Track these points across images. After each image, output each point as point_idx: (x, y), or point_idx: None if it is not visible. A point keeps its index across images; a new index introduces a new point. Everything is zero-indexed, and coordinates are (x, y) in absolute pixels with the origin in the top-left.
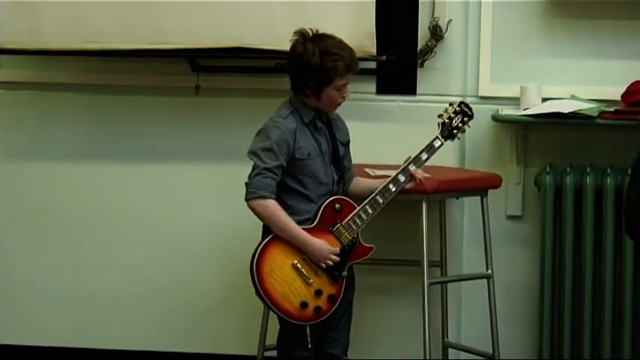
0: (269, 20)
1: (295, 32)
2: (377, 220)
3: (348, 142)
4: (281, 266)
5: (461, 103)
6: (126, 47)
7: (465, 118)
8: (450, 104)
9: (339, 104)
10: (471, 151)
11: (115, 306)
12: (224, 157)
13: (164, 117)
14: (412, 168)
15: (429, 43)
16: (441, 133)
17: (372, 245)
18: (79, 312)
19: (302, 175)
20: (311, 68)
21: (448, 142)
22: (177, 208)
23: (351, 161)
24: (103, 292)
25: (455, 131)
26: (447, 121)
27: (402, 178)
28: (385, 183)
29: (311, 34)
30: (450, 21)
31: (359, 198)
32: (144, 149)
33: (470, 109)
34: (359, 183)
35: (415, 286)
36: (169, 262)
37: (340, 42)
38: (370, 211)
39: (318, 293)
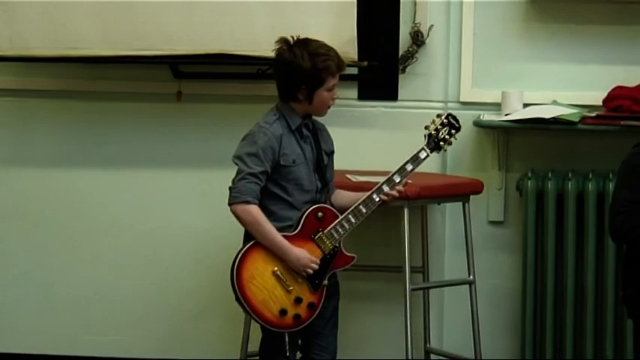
0: (250, 26)
1: (278, 40)
2: (359, 225)
3: (332, 152)
4: (262, 273)
5: (448, 115)
6: (107, 53)
7: (452, 130)
8: (438, 116)
9: (329, 107)
10: (452, 157)
11: (94, 313)
12: (206, 163)
13: (146, 123)
14: (397, 179)
15: (410, 49)
16: (428, 144)
17: (354, 255)
18: (59, 318)
19: (286, 182)
20: (303, 72)
21: (434, 153)
22: (158, 214)
23: (333, 173)
24: (82, 300)
25: (441, 143)
26: (433, 132)
27: (385, 189)
28: (369, 193)
29: (294, 39)
30: (431, 26)
31: (340, 211)
32: (125, 156)
33: (457, 121)
34: (340, 195)
35: (397, 293)
36: (151, 269)
37: (325, 44)
38: (353, 220)
39: (298, 301)
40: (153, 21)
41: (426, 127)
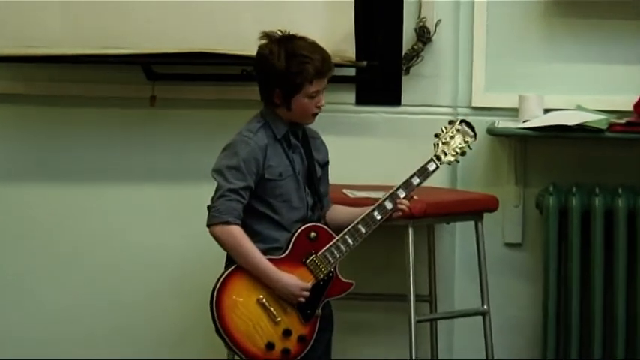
0: (236, 23)
1: (262, 34)
2: (357, 247)
3: (327, 163)
4: (245, 301)
5: (462, 121)
6: (72, 52)
7: (467, 139)
8: (450, 122)
9: (315, 114)
10: (463, 170)
11: (64, 349)
12: (183, 176)
13: (114, 132)
14: (402, 194)
15: (415, 47)
16: (438, 155)
17: (352, 281)
18: (22, 345)
19: (272, 198)
20: (276, 73)
21: (444, 165)
22: (130, 234)
23: (328, 186)
24: (45, 335)
25: (454, 154)
26: (445, 141)
27: (389, 206)
28: (369, 210)
29: (279, 35)
30: (438, 21)
31: (337, 230)
32: (90, 169)
33: (473, 128)
34: (337, 212)
35: (401, 324)
36: (123, 294)
37: (312, 44)
38: (350, 241)
39: (287, 333)
40: (126, 18)
41: (437, 136)
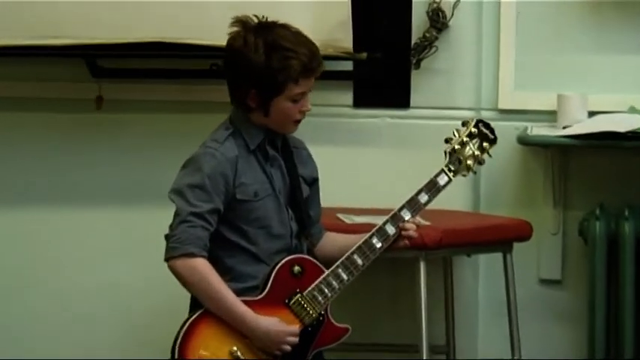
0: (201, 6)
1: (234, 20)
2: (355, 286)
3: (316, 180)
4: (214, 354)
5: (479, 121)
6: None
7: (485, 144)
8: (464, 124)
9: (298, 121)
10: (487, 188)
11: None
12: (135, 197)
13: (51, 141)
14: (406, 216)
15: (427, 35)
16: (449, 165)
17: (347, 326)
18: None
19: (246, 224)
20: (253, 70)
21: (459, 177)
22: (68, 268)
23: (319, 208)
24: None
25: (469, 162)
26: (458, 147)
27: (390, 230)
28: (366, 236)
29: (256, 22)
30: (456, 2)
31: (329, 263)
32: (21, 188)
33: (492, 130)
34: (329, 241)
35: None
36: (56, 346)
37: (297, 33)
38: (344, 276)
39: None
40: (70, 5)
41: (447, 141)
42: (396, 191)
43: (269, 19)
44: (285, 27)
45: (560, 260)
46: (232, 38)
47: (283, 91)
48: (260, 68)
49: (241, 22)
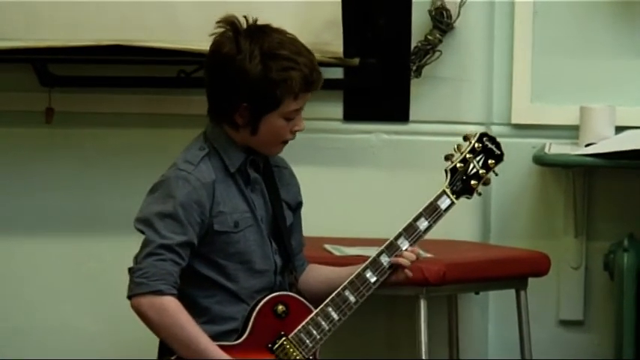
0: (169, 7)
1: (221, 20)
2: (347, 327)
3: (300, 204)
4: None
5: (482, 135)
6: None
7: (490, 161)
8: (465, 138)
9: (286, 143)
10: (499, 215)
11: None
12: (92, 224)
13: None
14: (404, 245)
15: (430, 38)
16: (451, 185)
17: None
18: None
19: (224, 259)
20: (247, 81)
21: (463, 199)
22: (15, 309)
23: (302, 236)
24: None
25: (473, 182)
26: (459, 165)
27: (386, 262)
28: (359, 270)
29: (246, 24)
30: (463, 1)
31: (316, 300)
32: None
33: (498, 144)
34: (315, 275)
35: None
36: None
37: (293, 40)
38: (335, 316)
39: None
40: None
41: (447, 158)
42: (392, 218)
43: (258, 21)
44: (279, 31)
45: (583, 298)
46: (219, 43)
47: (278, 106)
48: (257, 80)
49: (231, 24)
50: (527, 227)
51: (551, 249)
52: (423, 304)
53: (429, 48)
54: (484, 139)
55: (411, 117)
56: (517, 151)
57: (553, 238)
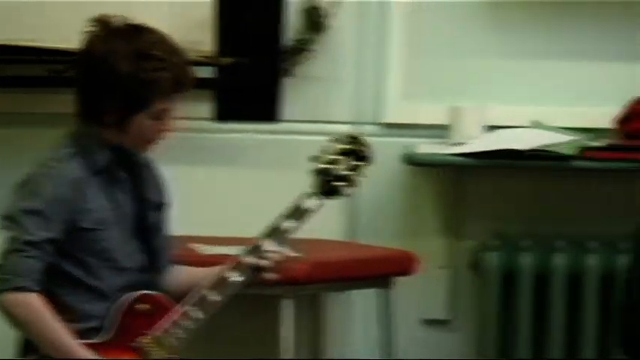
0: (39, 5)
1: (93, 20)
2: (209, 327)
3: (166, 204)
4: None
5: (350, 137)
6: None
7: (357, 163)
8: (333, 139)
9: (156, 142)
10: (368, 215)
11: None
12: None
13: None
14: (270, 245)
15: (303, 38)
16: (318, 187)
17: None
18: None
19: (90, 256)
20: (117, 81)
21: (332, 201)
22: None
23: (168, 236)
24: None
25: (340, 184)
26: (326, 167)
27: (251, 262)
28: (224, 270)
29: (119, 24)
30: (337, 2)
31: (180, 298)
32: None
33: (364, 145)
34: (181, 274)
35: None
36: None
37: (166, 40)
38: (199, 315)
39: None
40: None
41: (315, 159)
42: (263, 218)
43: (131, 21)
44: (153, 32)
45: (449, 298)
46: (91, 42)
47: (149, 107)
48: (126, 80)
49: (102, 23)
50: (396, 226)
51: (419, 248)
52: (288, 303)
53: (303, 48)
54: (352, 140)
55: (284, 116)
56: (387, 150)
57: (421, 238)
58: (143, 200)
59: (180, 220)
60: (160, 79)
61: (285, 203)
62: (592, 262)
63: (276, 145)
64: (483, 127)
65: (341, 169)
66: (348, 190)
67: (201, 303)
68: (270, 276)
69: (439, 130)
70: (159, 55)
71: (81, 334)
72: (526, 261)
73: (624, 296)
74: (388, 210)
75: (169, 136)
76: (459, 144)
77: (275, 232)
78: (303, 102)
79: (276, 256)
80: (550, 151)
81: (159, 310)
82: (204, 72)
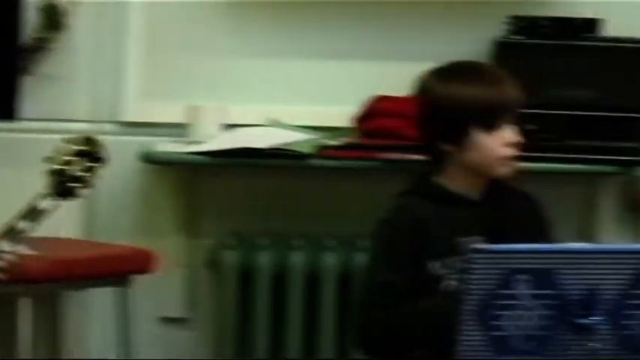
0: None
1: None
2: None
3: None
4: None
5: (84, 138)
6: None
7: (92, 164)
8: (68, 140)
9: None
10: (107, 213)
11: None
12: None
13: None
14: (5, 246)
15: (41, 36)
16: (51, 187)
17: None
18: None
19: None
20: None
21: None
22: None
23: None
24: None
25: (74, 185)
26: (60, 168)
27: None
28: None
29: None
30: (75, 0)
31: None
32: None
33: (99, 147)
34: None
35: None
36: None
37: None
38: None
39: None
40: None
41: (48, 160)
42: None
43: None
44: None
45: (187, 296)
46: None
47: None
48: None
49: None
50: (134, 225)
51: (157, 246)
52: (26, 302)
53: (41, 46)
54: (86, 141)
55: (21, 115)
56: (126, 149)
57: (159, 236)
58: None
59: None
60: None
61: (22, 203)
62: (330, 260)
63: (14, 143)
64: (222, 125)
65: (75, 170)
66: (83, 192)
67: None
68: (1, 276)
69: (178, 129)
70: None
71: None
72: (263, 260)
73: (361, 295)
74: (126, 208)
75: None
76: (198, 143)
77: (10, 233)
78: (42, 100)
79: (9, 257)
80: (288, 150)
81: None
82: None
